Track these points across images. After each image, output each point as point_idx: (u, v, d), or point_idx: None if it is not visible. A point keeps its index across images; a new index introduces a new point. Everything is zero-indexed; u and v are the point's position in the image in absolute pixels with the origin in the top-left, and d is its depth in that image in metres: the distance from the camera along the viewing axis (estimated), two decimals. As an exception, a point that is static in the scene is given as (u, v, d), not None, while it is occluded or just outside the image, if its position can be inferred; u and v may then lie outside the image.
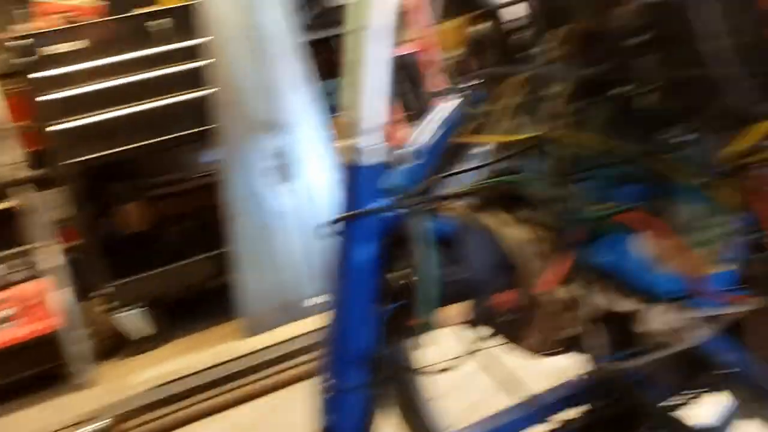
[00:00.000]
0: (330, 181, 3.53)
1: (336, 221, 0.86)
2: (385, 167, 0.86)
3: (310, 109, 3.60)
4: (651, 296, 0.84)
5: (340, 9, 3.81)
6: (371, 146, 0.84)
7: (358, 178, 0.85)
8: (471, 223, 0.88)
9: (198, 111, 3.52)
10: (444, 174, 1.28)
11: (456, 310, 0.82)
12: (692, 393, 1.14)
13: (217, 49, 3.48)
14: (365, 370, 0.87)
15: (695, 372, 1.10)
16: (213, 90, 3.45)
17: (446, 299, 0.84)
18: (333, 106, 4.27)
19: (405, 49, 3.81)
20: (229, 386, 2.86)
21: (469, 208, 0.95)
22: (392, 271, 0.87)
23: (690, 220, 0.75)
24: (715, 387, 1.10)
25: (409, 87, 4.00)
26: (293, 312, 3.44)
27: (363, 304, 0.86)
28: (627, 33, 0.75)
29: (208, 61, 3.44)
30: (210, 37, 3.43)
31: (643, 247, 0.80)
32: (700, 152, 0.79)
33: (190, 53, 3.49)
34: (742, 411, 1.14)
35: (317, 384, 0.90)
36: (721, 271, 0.80)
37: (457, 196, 0.97)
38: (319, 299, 3.43)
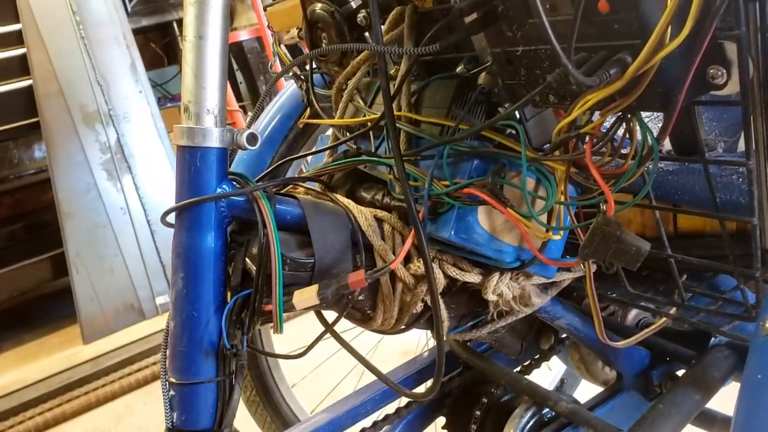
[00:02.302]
0: (166, 174, 3.40)
1: (175, 209, 0.82)
2: (225, 151, 0.83)
3: (142, 99, 3.43)
4: (494, 266, 0.87)
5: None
6: (209, 128, 0.81)
7: (196, 163, 0.81)
8: (318, 204, 0.87)
9: (22, 103, 3.27)
10: (288, 158, 1.26)
11: (307, 294, 0.80)
12: (537, 357, 1.21)
13: (38, 36, 3.23)
14: (213, 361, 0.83)
15: (537, 337, 1.16)
16: (35, 80, 3.22)
17: (296, 283, 0.82)
18: (164, 96, 4.10)
19: (240, 36, 3.74)
20: (68, 396, 2.71)
21: (316, 191, 0.94)
22: (237, 258, 0.84)
23: (523, 193, 0.78)
24: (554, 350, 1.18)
25: (246, 74, 3.93)
26: (134, 313, 3.30)
27: (207, 294, 0.82)
28: (460, 10, 0.76)
29: (28, 48, 3.19)
30: (30, 23, 3.19)
31: (483, 221, 0.83)
32: (532, 127, 0.83)
33: (10, 39, 3.23)
34: (578, 372, 1.22)
35: (162, 380, 0.86)
36: (554, 240, 0.85)
37: (303, 179, 0.96)
38: (161, 299, 3.34)
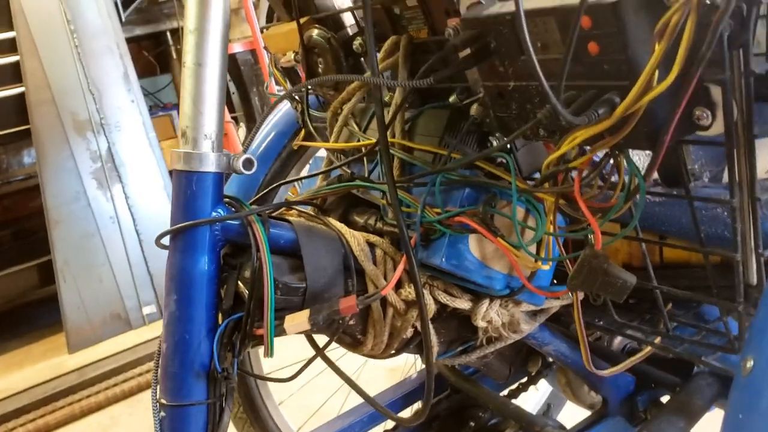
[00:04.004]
0: (156, 184, 3.39)
1: (170, 232, 0.83)
2: (221, 176, 0.84)
3: (134, 108, 3.43)
4: (484, 293, 0.89)
5: (161, 5, 3.67)
6: (206, 153, 0.82)
7: (192, 187, 0.82)
8: (311, 229, 0.88)
9: (13, 109, 3.27)
10: (281, 181, 1.27)
11: (298, 318, 0.81)
12: (524, 380, 1.22)
13: (32, 44, 3.23)
14: (204, 384, 0.84)
15: (525, 361, 1.18)
16: (28, 87, 3.22)
17: (287, 308, 0.83)
18: (156, 104, 4.10)
19: (234, 48, 3.76)
20: (52, 406, 2.69)
21: (309, 215, 0.95)
22: (230, 282, 0.85)
23: (512, 223, 0.79)
24: (541, 374, 1.19)
25: (239, 86, 3.94)
26: (121, 323, 3.29)
27: (199, 316, 0.83)
28: (454, 45, 0.78)
29: (22, 55, 3.19)
30: (24, 30, 3.19)
31: (474, 248, 0.84)
32: (522, 156, 0.85)
33: (3, 46, 3.23)
34: (564, 394, 1.23)
35: (152, 401, 0.86)
36: (542, 270, 0.86)
37: (297, 202, 0.97)
38: (148, 309, 3.33)
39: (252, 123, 3.87)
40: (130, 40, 3.63)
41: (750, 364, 0.52)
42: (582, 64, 0.67)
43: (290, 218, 0.91)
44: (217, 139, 0.83)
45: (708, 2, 0.60)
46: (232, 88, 4.04)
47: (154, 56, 4.64)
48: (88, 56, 3.35)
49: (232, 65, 3.90)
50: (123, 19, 3.69)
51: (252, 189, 1.46)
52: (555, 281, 0.95)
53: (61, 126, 3.29)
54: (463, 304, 0.89)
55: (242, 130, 3.79)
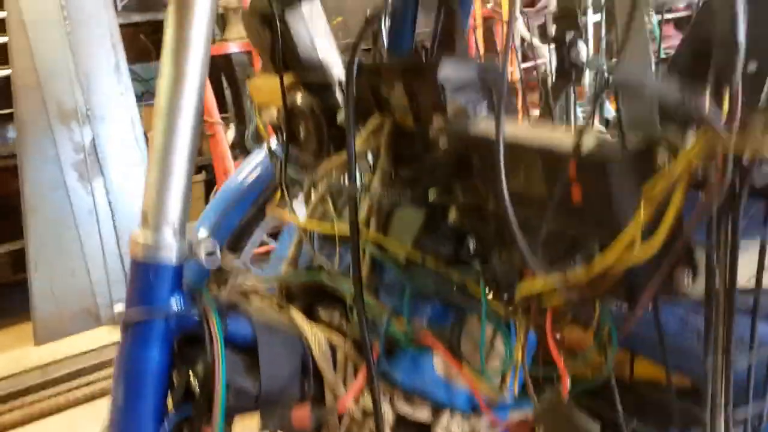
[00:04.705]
0: (140, 181, 3.33)
1: (123, 322, 0.79)
2: (180, 266, 0.80)
3: (123, 99, 3.35)
4: (446, 407, 0.85)
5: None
6: (167, 242, 0.78)
7: (149, 276, 0.79)
8: (271, 325, 0.84)
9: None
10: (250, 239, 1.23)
11: (249, 423, 0.78)
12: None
13: (21, 25, 3.15)
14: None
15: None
16: (14, 70, 3.14)
17: (239, 409, 0.80)
18: (147, 92, 4.02)
19: (230, 48, 3.68)
20: (10, 405, 2.64)
21: (272, 303, 0.92)
22: (182, 374, 0.81)
23: (478, 346, 0.76)
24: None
25: (232, 87, 3.88)
26: (91, 318, 3.23)
27: (147, 412, 0.79)
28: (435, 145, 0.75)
29: (10, 37, 3.12)
30: (15, 11, 3.11)
31: (439, 364, 0.81)
32: (498, 276, 0.81)
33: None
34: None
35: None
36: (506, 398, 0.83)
37: (258, 291, 0.93)
38: (119, 306, 3.27)
39: (242, 125, 3.80)
40: (126, 26, 3.55)
41: None
42: (563, 209, 0.64)
43: (250, 308, 0.87)
44: (180, 225, 0.79)
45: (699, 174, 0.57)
46: (225, 84, 3.97)
47: (151, 41, 4.55)
48: (80, 43, 3.27)
49: (226, 65, 3.83)
50: (119, 7, 3.61)
51: (227, 230, 1.43)
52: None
53: (45, 113, 3.21)
54: (423, 414, 0.86)
55: (231, 132, 3.73)
